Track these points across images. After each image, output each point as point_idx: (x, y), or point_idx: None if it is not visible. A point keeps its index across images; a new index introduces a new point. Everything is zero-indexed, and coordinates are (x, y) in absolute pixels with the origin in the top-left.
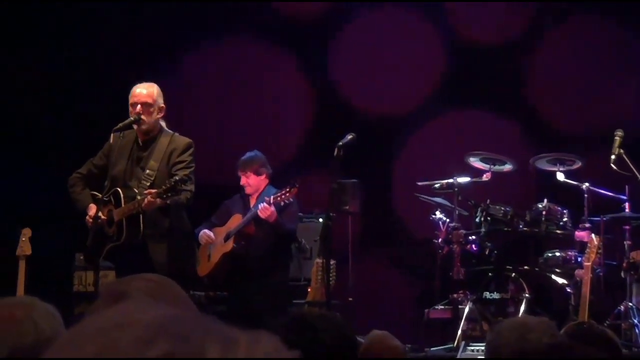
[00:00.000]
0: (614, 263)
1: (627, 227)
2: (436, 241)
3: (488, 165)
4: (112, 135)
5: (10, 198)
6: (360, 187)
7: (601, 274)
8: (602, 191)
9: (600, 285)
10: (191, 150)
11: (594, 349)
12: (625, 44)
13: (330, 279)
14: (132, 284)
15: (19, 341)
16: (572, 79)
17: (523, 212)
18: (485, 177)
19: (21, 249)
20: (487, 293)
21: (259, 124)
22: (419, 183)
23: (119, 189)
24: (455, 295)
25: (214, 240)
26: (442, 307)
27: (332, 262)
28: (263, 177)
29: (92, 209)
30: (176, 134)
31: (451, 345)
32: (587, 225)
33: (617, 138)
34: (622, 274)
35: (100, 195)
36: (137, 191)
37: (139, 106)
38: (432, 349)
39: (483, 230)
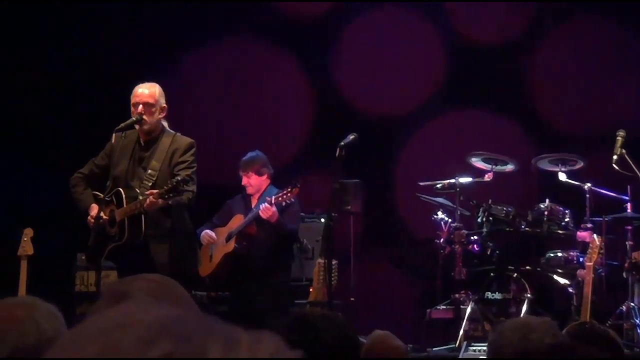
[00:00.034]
0: (616, 263)
1: (629, 227)
2: (438, 241)
3: (490, 166)
4: (113, 135)
5: (12, 198)
6: (362, 187)
7: (603, 274)
8: (604, 191)
9: (602, 285)
10: (193, 151)
11: (596, 349)
12: (625, 43)
13: (332, 279)
14: (134, 284)
15: (20, 341)
16: (573, 79)
17: (525, 212)
18: (487, 177)
19: (23, 249)
20: (489, 293)
21: (260, 124)
22: (421, 183)
23: (120, 189)
24: (457, 296)
25: (216, 240)
26: (444, 307)
27: (334, 262)
28: (264, 177)
29: (94, 209)
30: (178, 134)
31: (453, 346)
32: (589, 225)
33: (619, 138)
34: (624, 274)
35: (102, 195)
36: (139, 191)
37: (140, 106)
38: (434, 349)
39: (485, 230)
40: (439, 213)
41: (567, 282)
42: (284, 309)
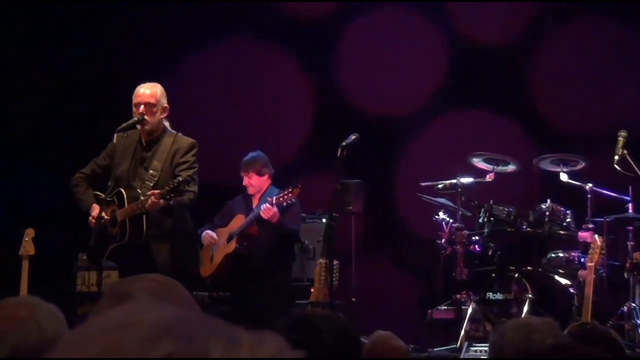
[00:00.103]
0: (617, 264)
1: (631, 227)
2: (439, 242)
3: (491, 166)
4: (115, 135)
5: (13, 198)
6: (363, 188)
7: (604, 274)
8: (606, 192)
9: (603, 285)
10: (195, 151)
11: (598, 350)
12: (626, 43)
13: (334, 279)
14: (136, 284)
15: (21, 341)
16: (574, 79)
17: (526, 212)
18: (489, 178)
19: (24, 249)
20: (490, 294)
21: (261, 124)
22: (422, 183)
23: (122, 190)
24: (458, 296)
25: (217, 241)
26: (445, 307)
27: (335, 262)
28: (265, 177)
29: (96, 209)
30: (179, 134)
31: (454, 346)
32: (591, 225)
33: (620, 139)
34: (625, 275)
35: (103, 196)
36: (140, 192)
37: (142, 106)
38: (435, 349)
39: (486, 230)
40: (440, 213)
41: (568, 282)
42: (285, 309)
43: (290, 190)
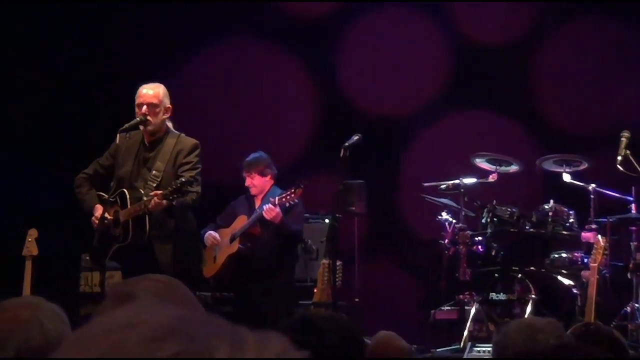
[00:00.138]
0: (621, 264)
1: (634, 228)
2: (442, 242)
3: (494, 166)
4: (118, 135)
5: (16, 199)
6: (366, 188)
7: (607, 275)
8: (609, 192)
9: (606, 286)
10: (197, 152)
11: (601, 350)
12: (626, 43)
13: (337, 280)
14: (139, 284)
15: (25, 341)
16: (576, 79)
17: (529, 213)
18: (492, 178)
19: (27, 249)
20: (494, 294)
21: (263, 125)
22: (425, 184)
23: (125, 190)
24: (461, 296)
25: (220, 241)
26: (448, 308)
27: (338, 263)
28: (268, 178)
29: (98, 210)
30: (182, 134)
31: (457, 346)
32: (594, 226)
33: (623, 139)
34: (629, 275)
35: (106, 196)
36: (143, 192)
37: (145, 107)
38: (438, 349)
39: (489, 231)
40: (444, 214)
41: (571, 282)
42: (288, 310)
43: (292, 190)
